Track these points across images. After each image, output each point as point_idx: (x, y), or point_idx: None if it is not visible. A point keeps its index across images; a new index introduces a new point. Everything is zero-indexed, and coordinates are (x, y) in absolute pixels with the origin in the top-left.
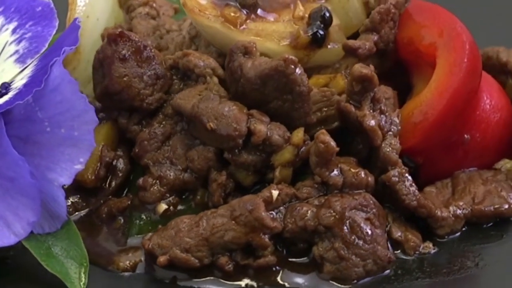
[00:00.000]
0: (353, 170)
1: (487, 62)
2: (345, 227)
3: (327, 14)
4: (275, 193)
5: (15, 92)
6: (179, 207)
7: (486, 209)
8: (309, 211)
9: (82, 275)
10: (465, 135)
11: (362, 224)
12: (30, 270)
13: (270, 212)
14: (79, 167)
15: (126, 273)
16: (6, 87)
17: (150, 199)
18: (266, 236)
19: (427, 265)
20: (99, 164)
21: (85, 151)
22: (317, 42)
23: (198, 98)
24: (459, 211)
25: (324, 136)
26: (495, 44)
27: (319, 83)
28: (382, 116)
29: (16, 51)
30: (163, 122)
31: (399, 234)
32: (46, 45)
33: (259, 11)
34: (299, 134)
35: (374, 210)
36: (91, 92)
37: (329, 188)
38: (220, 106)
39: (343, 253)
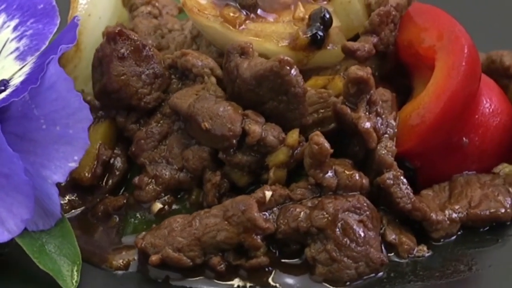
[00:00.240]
0: (347, 172)
1: (490, 66)
2: (337, 229)
3: (327, 16)
4: (268, 194)
5: (12, 89)
6: (174, 207)
7: (482, 213)
8: (302, 213)
9: (75, 273)
10: (464, 139)
11: (354, 226)
12: (26, 267)
13: (263, 213)
14: (73, 165)
15: (119, 272)
16: (4, 84)
17: (145, 198)
18: (259, 236)
19: (420, 268)
20: (96, 162)
21: (79, 149)
22: (316, 43)
23: (194, 98)
24: (454, 215)
25: (318, 137)
26: (501, 47)
27: (317, 84)
28: (378, 118)
29: (17, 48)
30: (161, 121)
31: (393, 237)
32: (46, 43)
33: (259, 12)
34: (294, 135)
35: (367, 213)
36: (92, 90)
37: (323, 190)
38: (216, 106)
39: (335, 255)
